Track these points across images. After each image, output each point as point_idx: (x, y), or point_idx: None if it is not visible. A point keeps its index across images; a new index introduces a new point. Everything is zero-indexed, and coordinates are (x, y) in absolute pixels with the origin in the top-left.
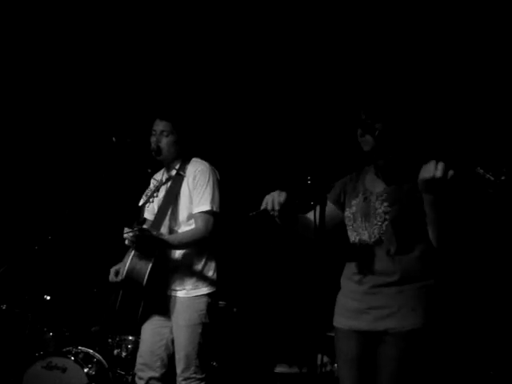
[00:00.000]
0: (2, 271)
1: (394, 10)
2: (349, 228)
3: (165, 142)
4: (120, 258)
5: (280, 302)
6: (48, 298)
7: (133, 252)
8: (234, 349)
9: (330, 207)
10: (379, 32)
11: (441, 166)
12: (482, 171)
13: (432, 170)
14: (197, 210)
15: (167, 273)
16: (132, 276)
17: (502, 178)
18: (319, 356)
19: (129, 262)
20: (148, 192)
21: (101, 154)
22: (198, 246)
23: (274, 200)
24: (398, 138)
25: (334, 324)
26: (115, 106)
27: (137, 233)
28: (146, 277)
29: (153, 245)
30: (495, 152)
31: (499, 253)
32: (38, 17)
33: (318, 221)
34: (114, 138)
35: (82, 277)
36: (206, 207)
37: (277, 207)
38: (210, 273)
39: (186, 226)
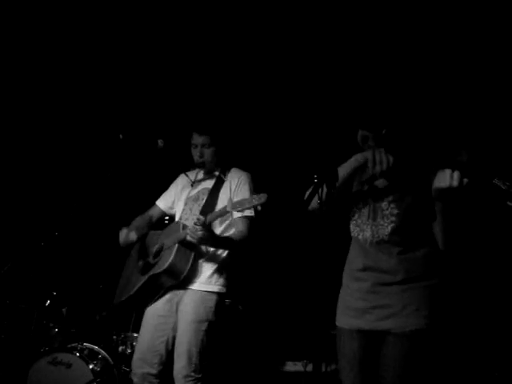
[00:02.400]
0: (9, 267)
1: (399, 12)
2: (352, 222)
3: (208, 153)
4: (124, 255)
5: (285, 300)
6: (54, 293)
7: (177, 245)
8: (239, 347)
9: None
10: (386, 33)
11: (457, 175)
12: (499, 182)
13: (448, 178)
14: (240, 214)
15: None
16: (173, 269)
17: None
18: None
19: (173, 255)
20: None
21: (107, 151)
22: (240, 248)
23: (386, 159)
24: (402, 142)
25: (337, 323)
26: (123, 103)
27: (205, 231)
28: (186, 273)
29: (214, 242)
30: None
31: (505, 255)
32: (38, 17)
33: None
34: (120, 135)
35: (88, 273)
36: (250, 213)
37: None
38: (226, 272)
39: (217, 228)
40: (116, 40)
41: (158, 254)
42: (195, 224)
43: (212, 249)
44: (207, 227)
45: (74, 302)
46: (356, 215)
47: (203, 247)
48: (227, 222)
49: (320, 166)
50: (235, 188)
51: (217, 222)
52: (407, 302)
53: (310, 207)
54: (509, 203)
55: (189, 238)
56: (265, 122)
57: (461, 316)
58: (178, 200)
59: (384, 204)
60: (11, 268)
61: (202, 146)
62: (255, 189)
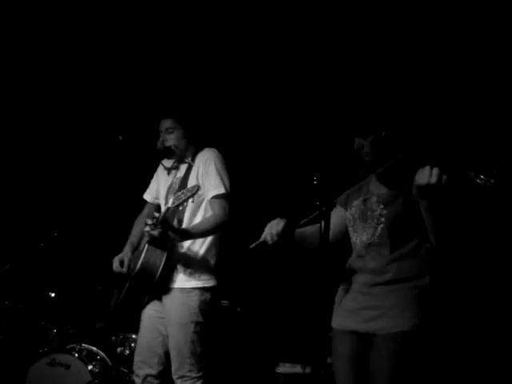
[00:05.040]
0: (8, 268)
1: (395, 17)
2: (350, 229)
3: (171, 138)
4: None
5: (284, 301)
6: (53, 295)
7: (147, 245)
8: (237, 348)
9: (340, 211)
10: (380, 37)
11: (436, 171)
12: (472, 174)
13: (427, 175)
14: (211, 194)
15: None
16: (146, 269)
17: (492, 180)
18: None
19: (143, 255)
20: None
21: (107, 152)
22: (219, 232)
23: (271, 232)
24: (398, 144)
25: (332, 324)
26: (122, 104)
27: (160, 229)
28: (160, 270)
29: (176, 238)
30: (487, 154)
31: (496, 254)
32: (37, 17)
33: (323, 229)
34: (120, 137)
35: (87, 274)
36: (221, 190)
37: (275, 238)
38: (209, 265)
39: (198, 214)
40: (116, 42)
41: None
42: (148, 224)
43: (187, 244)
44: (163, 225)
45: (72, 303)
46: (352, 221)
47: (177, 244)
48: (203, 205)
49: (318, 168)
50: (202, 171)
51: (196, 208)
52: (394, 303)
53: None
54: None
55: (147, 238)
56: (263, 129)
57: (453, 317)
58: (160, 190)
59: (374, 205)
60: (10, 269)
61: (166, 130)
62: (228, 164)
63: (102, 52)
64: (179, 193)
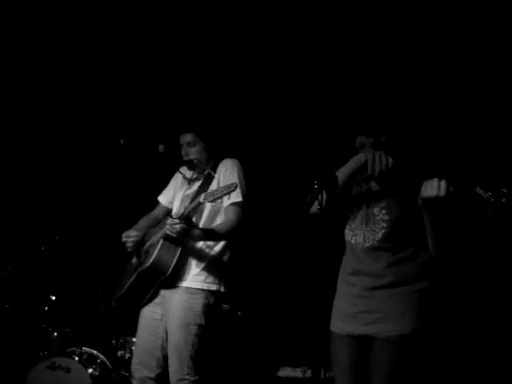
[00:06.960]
0: (9, 271)
1: (399, 19)
2: (347, 227)
3: (193, 151)
4: (123, 260)
5: (284, 305)
6: (53, 298)
7: (161, 241)
8: (238, 352)
9: None
10: (384, 40)
11: (444, 184)
12: (481, 191)
13: (435, 187)
14: (229, 201)
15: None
16: (158, 265)
17: (503, 200)
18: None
19: (157, 251)
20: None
21: (108, 156)
22: (230, 238)
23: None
24: (399, 149)
25: (331, 328)
26: (123, 108)
27: (183, 224)
28: (172, 267)
29: (194, 235)
30: (496, 173)
31: (496, 261)
32: (44, 18)
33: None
34: (121, 140)
35: (88, 277)
36: (238, 198)
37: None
38: (216, 269)
39: (217, 220)
40: (117, 45)
41: (148, 251)
42: (171, 217)
43: (200, 244)
44: (186, 220)
45: (73, 306)
46: (351, 220)
47: (191, 242)
48: (222, 211)
49: (320, 171)
50: (223, 179)
51: (213, 214)
52: (393, 306)
53: (310, 211)
54: (489, 213)
55: (168, 232)
56: (266, 127)
57: (454, 321)
58: (176, 195)
59: (376, 209)
60: (11, 272)
61: (188, 144)
62: (246, 174)
63: (105, 55)
64: (214, 190)
